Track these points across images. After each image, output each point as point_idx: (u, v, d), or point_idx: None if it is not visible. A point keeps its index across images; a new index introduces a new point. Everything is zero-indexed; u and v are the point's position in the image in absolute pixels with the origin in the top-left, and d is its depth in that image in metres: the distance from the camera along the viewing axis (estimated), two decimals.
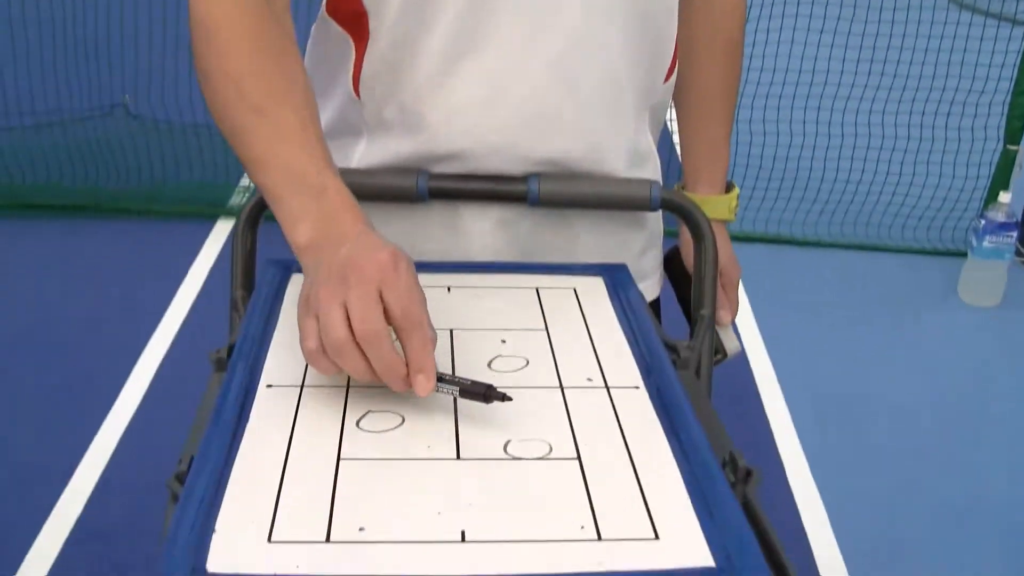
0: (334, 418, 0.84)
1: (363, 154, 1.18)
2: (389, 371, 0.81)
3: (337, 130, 1.20)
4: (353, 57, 1.13)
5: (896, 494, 2.57)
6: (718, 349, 1.34)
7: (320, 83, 1.20)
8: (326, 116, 1.20)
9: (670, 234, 1.38)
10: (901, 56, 4.29)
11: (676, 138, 1.40)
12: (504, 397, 0.83)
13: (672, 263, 1.39)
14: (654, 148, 1.28)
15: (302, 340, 0.83)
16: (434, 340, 0.83)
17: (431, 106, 1.12)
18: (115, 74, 4.61)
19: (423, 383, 0.81)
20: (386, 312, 0.81)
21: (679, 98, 1.33)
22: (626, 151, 1.20)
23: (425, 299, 0.84)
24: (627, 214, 1.25)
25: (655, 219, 1.32)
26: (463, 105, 1.11)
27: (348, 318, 0.80)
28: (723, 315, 1.35)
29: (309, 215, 0.91)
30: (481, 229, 1.20)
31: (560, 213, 1.21)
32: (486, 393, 0.83)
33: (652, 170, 1.26)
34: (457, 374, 0.86)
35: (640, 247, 1.30)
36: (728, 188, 1.37)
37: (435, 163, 1.15)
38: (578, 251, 1.24)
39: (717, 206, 1.34)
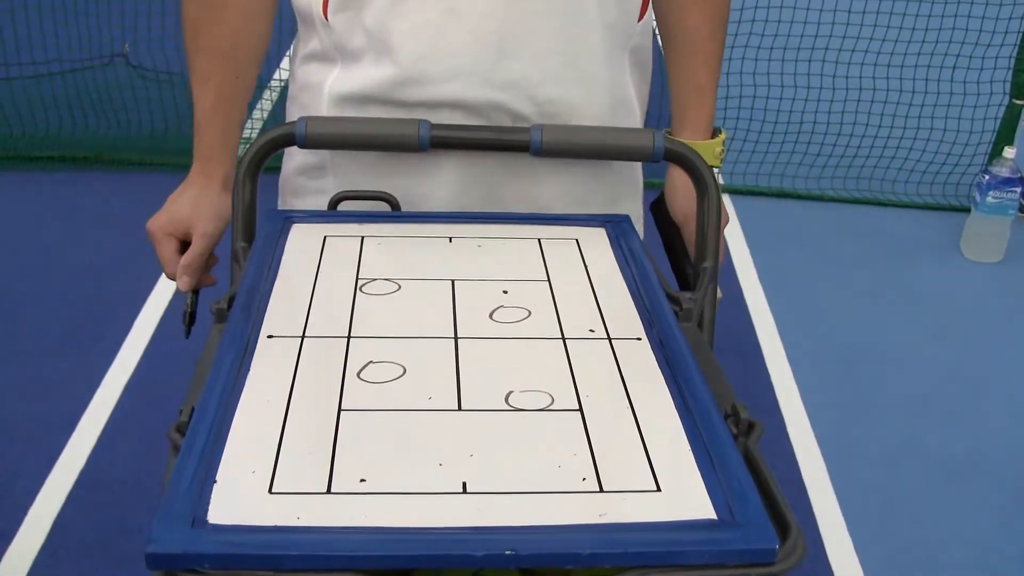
0: (335, 369, 0.84)
1: (336, 80, 1.19)
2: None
3: (318, 55, 1.22)
4: None
5: (895, 448, 2.58)
6: None
7: (302, 12, 1.22)
8: (311, 43, 1.23)
9: (653, 185, 1.37)
10: (907, 8, 4.25)
11: None
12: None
13: (659, 209, 1.38)
14: (634, 96, 1.28)
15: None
16: (185, 266, 1.27)
17: (390, 30, 1.13)
18: (115, 23, 4.57)
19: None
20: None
21: (665, 40, 1.31)
22: (591, 85, 1.20)
23: (158, 237, 1.27)
24: (592, 164, 1.25)
25: (628, 171, 1.31)
26: (418, 27, 1.12)
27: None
28: None
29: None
30: (445, 171, 1.20)
31: (525, 160, 1.21)
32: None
33: (625, 116, 1.26)
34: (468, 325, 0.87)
35: (606, 196, 1.29)
36: (714, 134, 1.35)
37: (400, 89, 1.16)
38: (543, 197, 1.24)
39: (702, 152, 1.31)
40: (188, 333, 1.30)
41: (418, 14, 1.12)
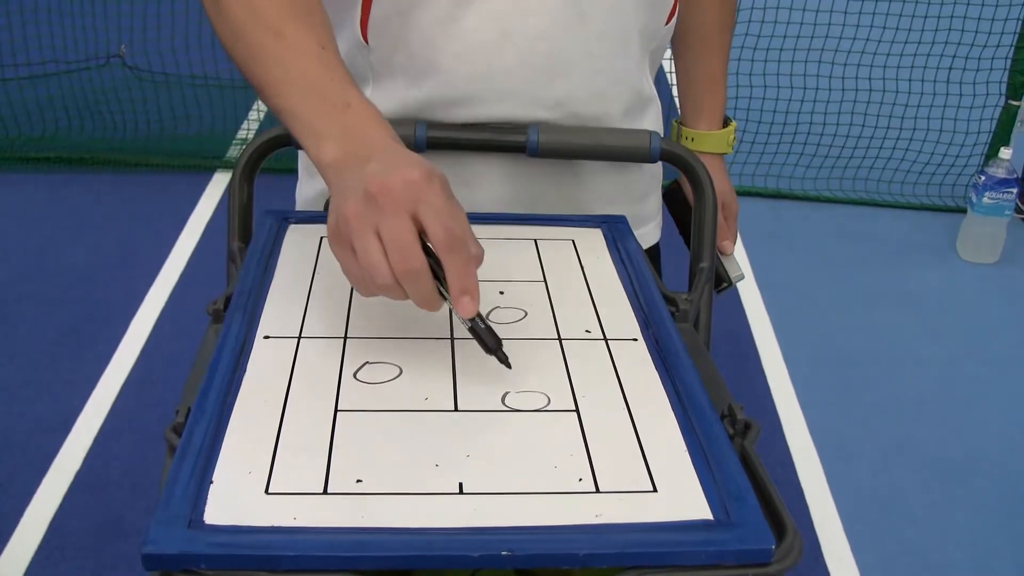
0: (331, 369, 0.84)
1: (371, 99, 1.16)
2: (426, 304, 0.79)
3: None
4: (361, 1, 1.11)
5: (892, 449, 2.58)
6: (722, 278, 1.36)
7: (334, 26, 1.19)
8: None
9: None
10: (903, 9, 4.25)
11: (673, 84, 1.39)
12: (505, 361, 0.83)
13: (674, 198, 1.39)
14: (655, 93, 1.28)
15: (347, 275, 0.81)
16: (479, 256, 0.80)
17: (440, 51, 1.11)
18: (111, 25, 4.57)
19: (467, 305, 0.79)
20: (424, 232, 0.78)
21: (678, 35, 1.32)
22: (629, 95, 1.20)
23: (464, 214, 0.80)
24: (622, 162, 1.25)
25: (653, 166, 1.32)
26: (472, 49, 1.10)
27: (384, 249, 0.77)
28: (726, 245, 1.39)
29: (334, 132, 0.87)
30: (488, 179, 1.19)
31: (566, 161, 1.20)
32: (493, 346, 0.83)
33: (654, 116, 1.27)
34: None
35: (642, 191, 1.30)
36: (725, 122, 1.38)
37: (442, 109, 1.14)
38: (584, 199, 1.24)
39: (716, 141, 1.36)
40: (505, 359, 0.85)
41: (472, 36, 1.10)
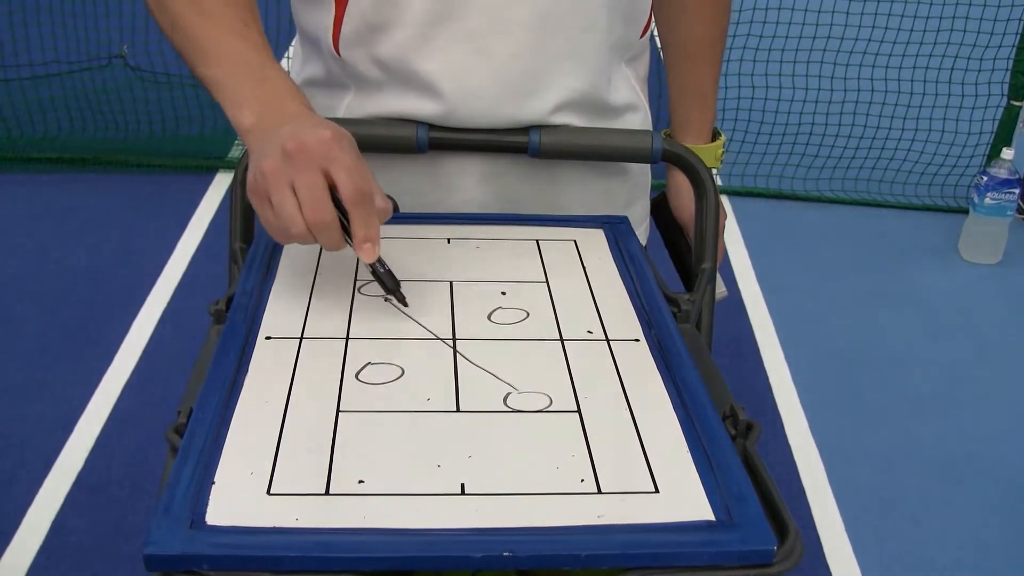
0: (333, 370, 0.84)
1: (350, 107, 1.17)
2: (334, 248, 0.88)
3: (326, 82, 1.19)
4: (333, 15, 1.11)
5: (893, 449, 2.58)
6: None
7: (307, 36, 1.19)
8: (315, 68, 1.20)
9: (658, 187, 1.38)
10: (905, 9, 4.25)
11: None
12: (403, 301, 0.93)
13: (660, 210, 1.39)
14: (642, 100, 1.28)
15: (264, 225, 0.89)
16: (385, 210, 0.89)
17: (414, 69, 1.10)
18: (113, 25, 4.57)
19: (369, 251, 0.88)
20: (334, 187, 0.86)
21: (668, 48, 1.32)
22: (599, 107, 1.20)
23: (370, 172, 0.88)
24: (612, 166, 1.25)
25: (641, 170, 1.32)
26: (445, 69, 1.10)
27: (298, 202, 0.85)
28: None
29: (253, 99, 0.96)
30: (465, 184, 1.19)
31: (545, 165, 1.20)
32: (392, 287, 0.92)
33: (638, 124, 1.26)
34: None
35: (625, 198, 1.30)
36: (714, 136, 1.36)
37: (425, 120, 1.14)
38: (562, 203, 1.23)
39: (704, 155, 1.33)
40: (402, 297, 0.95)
41: (445, 55, 1.09)
